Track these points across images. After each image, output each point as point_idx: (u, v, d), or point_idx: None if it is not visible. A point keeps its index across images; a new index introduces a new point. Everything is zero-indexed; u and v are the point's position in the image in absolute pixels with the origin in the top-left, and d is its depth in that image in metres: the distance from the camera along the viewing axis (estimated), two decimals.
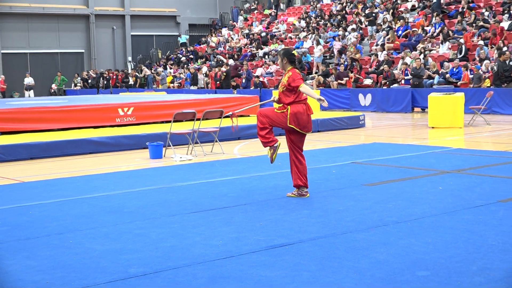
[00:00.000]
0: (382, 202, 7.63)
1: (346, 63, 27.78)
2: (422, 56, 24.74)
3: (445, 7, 29.29)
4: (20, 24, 40.49)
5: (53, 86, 39.20)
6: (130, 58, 44.04)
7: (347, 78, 26.12)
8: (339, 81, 26.04)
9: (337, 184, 8.95)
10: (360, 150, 12.79)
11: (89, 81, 40.11)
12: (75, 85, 40.53)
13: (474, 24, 26.20)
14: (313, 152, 13.01)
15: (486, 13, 26.53)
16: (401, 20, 29.36)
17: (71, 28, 42.49)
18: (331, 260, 5.37)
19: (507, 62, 21.15)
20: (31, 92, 37.20)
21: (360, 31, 31.42)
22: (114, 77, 39.02)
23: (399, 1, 32.82)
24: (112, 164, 12.15)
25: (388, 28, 29.19)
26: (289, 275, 5.02)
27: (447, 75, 22.77)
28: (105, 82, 39.06)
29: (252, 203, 7.83)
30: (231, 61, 34.23)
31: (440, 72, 23.26)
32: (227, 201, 7.90)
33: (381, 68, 25.47)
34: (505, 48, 22.32)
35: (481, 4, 28.19)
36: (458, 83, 22.21)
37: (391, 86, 24.30)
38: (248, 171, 10.33)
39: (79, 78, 40.82)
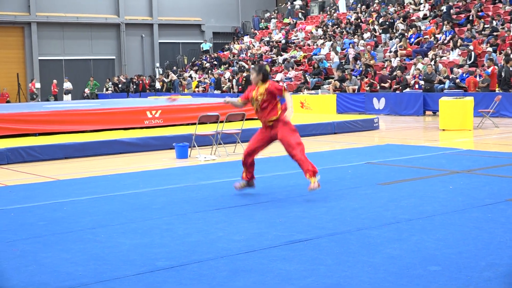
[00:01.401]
0: (395, 200, 7.59)
1: (360, 69, 27.68)
2: (433, 62, 24.59)
3: (455, 16, 29.11)
4: (56, 32, 40.78)
5: (86, 90, 39.41)
6: (157, 64, 44.17)
7: (389, 82, 25.66)
8: (382, 83, 25.67)
9: (353, 183, 8.91)
10: (374, 151, 12.73)
11: (120, 85, 40.30)
12: (107, 89, 40.75)
13: (483, 32, 26.02)
14: (330, 153, 12.99)
15: (494, 22, 26.33)
16: (414, 28, 29.22)
17: (103, 36, 42.73)
18: (347, 255, 5.35)
19: None
20: (69, 96, 37.48)
21: (374, 39, 31.30)
22: (142, 82, 39.20)
23: (411, 11, 32.68)
24: (140, 164, 12.19)
25: (401, 36, 29.06)
26: (307, 269, 5.01)
27: (457, 80, 22.63)
28: (134, 87, 39.23)
29: (272, 200, 7.83)
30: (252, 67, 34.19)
31: (450, 77, 23.10)
32: (249, 199, 7.90)
33: (394, 73, 25.35)
34: None
35: (490, 13, 27.97)
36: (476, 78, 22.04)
37: (403, 91, 24.18)
38: (269, 170, 10.31)
39: (110, 82, 41.03)
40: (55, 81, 38.51)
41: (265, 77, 8.14)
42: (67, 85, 37.86)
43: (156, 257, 5.43)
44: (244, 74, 31.36)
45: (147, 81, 39.88)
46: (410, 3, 33.89)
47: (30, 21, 39.47)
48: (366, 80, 26.08)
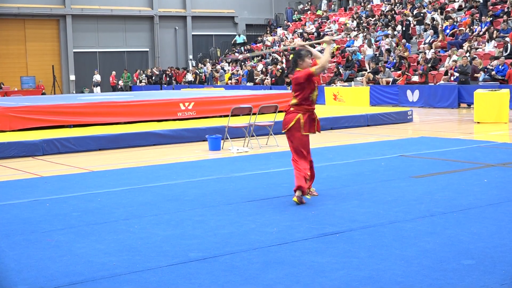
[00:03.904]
0: (429, 193, 7.52)
1: (394, 61, 27.45)
2: (468, 54, 24.28)
3: (491, 7, 28.70)
4: (90, 25, 41.18)
5: (120, 82, 39.78)
6: (191, 57, 44.35)
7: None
8: (475, 74, 25.13)
9: (386, 176, 8.86)
10: (408, 144, 12.63)
11: (153, 77, 40.54)
12: (140, 82, 41.05)
13: None
14: (363, 145, 12.91)
15: None
16: (449, 20, 28.87)
17: (137, 29, 43.02)
18: (380, 248, 5.32)
19: None
20: (98, 89, 37.92)
21: (409, 31, 31.03)
22: (175, 74, 39.45)
23: (446, 2, 32.29)
24: (174, 156, 12.25)
25: (436, 28, 28.75)
26: (339, 261, 4.99)
27: (493, 72, 22.32)
28: (167, 79, 39.43)
29: None
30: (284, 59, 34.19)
31: (486, 69, 22.79)
32: (281, 191, 7.89)
33: (429, 65, 25.08)
34: None
35: None
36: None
37: (438, 83, 23.91)
38: None
39: (144, 75, 41.30)
40: (114, 72, 39.06)
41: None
42: (97, 77, 38.29)
43: (188, 249, 5.46)
44: (278, 66, 31.32)
45: (181, 71, 40.12)
46: None
47: (65, 13, 39.92)
48: (399, 72, 25.82)
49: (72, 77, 40.37)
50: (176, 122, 15.89)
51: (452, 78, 23.59)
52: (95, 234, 6.06)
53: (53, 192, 8.28)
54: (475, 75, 22.46)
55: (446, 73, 24.21)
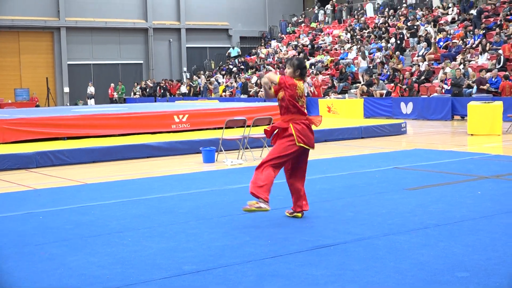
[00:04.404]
0: (423, 205, 7.52)
1: (388, 73, 27.54)
2: (462, 66, 24.38)
3: (484, 20, 28.86)
4: (84, 37, 41.21)
5: (114, 94, 39.70)
6: (185, 69, 44.39)
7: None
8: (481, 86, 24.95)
9: (380, 188, 8.86)
10: (401, 156, 12.65)
11: (147, 90, 40.56)
12: (134, 94, 41.05)
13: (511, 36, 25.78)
14: (357, 157, 12.93)
15: None
16: (442, 32, 29.01)
17: (131, 41, 43.07)
18: (374, 260, 5.31)
19: None
20: (92, 101, 37.94)
21: (403, 43, 31.15)
22: (169, 86, 39.49)
23: (440, 14, 32.45)
24: (167, 168, 12.24)
25: (429, 40, 28.89)
26: (334, 274, 4.98)
27: (486, 85, 22.40)
28: (161, 91, 39.45)
29: None
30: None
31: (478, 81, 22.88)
32: (275, 203, 7.87)
33: (422, 77, 25.17)
34: None
35: None
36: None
37: (431, 95, 24.00)
38: None
39: (138, 87, 41.31)
40: (112, 84, 39.08)
41: (302, 74, 7.06)
42: (91, 89, 38.31)
43: (182, 261, 5.44)
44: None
45: (175, 84, 40.17)
46: (438, 7, 33.67)
47: (60, 26, 39.94)
48: (392, 85, 25.92)
49: (66, 89, 40.35)
50: (170, 135, 15.89)
51: (443, 91, 23.66)
52: (88, 247, 6.03)
53: (46, 205, 8.25)
54: (481, 87, 22.41)
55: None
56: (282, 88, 6.88)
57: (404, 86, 25.04)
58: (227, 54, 44.78)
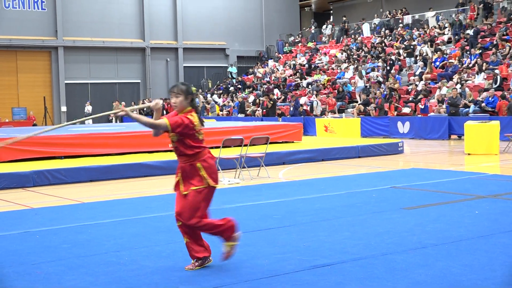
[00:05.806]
0: (420, 225, 7.52)
1: (385, 92, 27.66)
2: (458, 86, 24.48)
3: (480, 40, 29.04)
4: (82, 56, 41.28)
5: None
6: None
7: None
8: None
9: (377, 208, 8.85)
10: (399, 175, 12.66)
11: (145, 109, 40.57)
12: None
13: (508, 55, 25.91)
14: (355, 177, 12.93)
15: None
16: (438, 52, 29.16)
17: (129, 60, 43.16)
18: (372, 280, 5.30)
19: None
20: (90, 120, 37.91)
21: (399, 62, 31.29)
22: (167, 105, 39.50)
23: (436, 34, 32.64)
24: (165, 187, 12.21)
25: (426, 60, 29.03)
26: None
27: (483, 104, 22.49)
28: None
29: (296, 224, 7.80)
30: (276, 90, 34.35)
31: (476, 101, 22.97)
32: (272, 223, 7.88)
33: (419, 97, 25.28)
34: None
35: None
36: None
37: (428, 115, 24.08)
38: (292, 194, 10.29)
39: (135, 106, 41.31)
40: (116, 102, 39.09)
41: (193, 103, 6.16)
42: (89, 108, 38.33)
43: (179, 281, 5.42)
44: (271, 97, 31.50)
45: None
46: (435, 27, 33.85)
47: (57, 45, 40.02)
48: (385, 104, 26.09)
49: (64, 108, 40.35)
50: (168, 154, 15.85)
51: (441, 110, 23.75)
52: (85, 266, 6.01)
53: (43, 224, 8.23)
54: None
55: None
56: (178, 133, 5.93)
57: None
58: (228, 72, 44.85)
